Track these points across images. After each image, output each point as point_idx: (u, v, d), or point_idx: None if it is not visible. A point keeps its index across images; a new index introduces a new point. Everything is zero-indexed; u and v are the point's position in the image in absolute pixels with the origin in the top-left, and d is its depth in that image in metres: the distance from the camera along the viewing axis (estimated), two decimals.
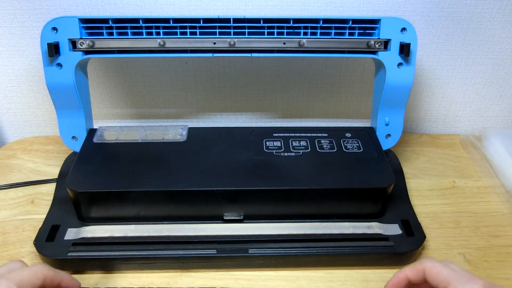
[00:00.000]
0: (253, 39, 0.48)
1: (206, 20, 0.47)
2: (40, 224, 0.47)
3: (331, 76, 0.65)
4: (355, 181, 0.47)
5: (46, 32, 0.47)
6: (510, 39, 0.62)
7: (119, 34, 0.48)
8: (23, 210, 0.53)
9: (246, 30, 0.48)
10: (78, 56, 0.48)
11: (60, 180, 0.55)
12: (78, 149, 0.52)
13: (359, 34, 0.49)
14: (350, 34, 0.49)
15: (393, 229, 0.47)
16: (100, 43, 0.48)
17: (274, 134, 0.54)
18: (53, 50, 0.47)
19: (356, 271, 0.46)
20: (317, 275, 0.45)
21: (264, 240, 0.46)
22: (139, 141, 0.52)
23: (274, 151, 0.51)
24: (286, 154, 0.50)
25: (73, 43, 0.48)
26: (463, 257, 0.47)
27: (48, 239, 0.45)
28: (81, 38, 0.48)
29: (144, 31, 0.48)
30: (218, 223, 0.47)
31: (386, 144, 0.55)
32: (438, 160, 0.64)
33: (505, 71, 0.66)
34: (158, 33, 0.48)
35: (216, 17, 0.47)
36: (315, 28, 0.48)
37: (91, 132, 0.53)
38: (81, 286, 0.43)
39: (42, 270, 0.34)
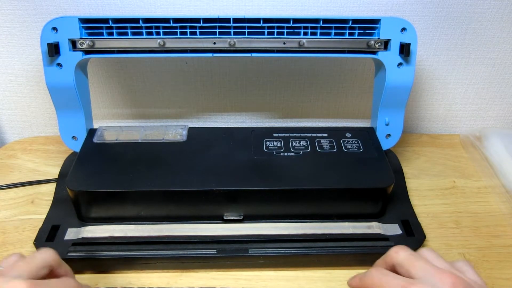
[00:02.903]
0: (253, 39, 0.48)
1: (206, 20, 0.47)
2: (40, 224, 0.47)
3: (331, 76, 0.65)
4: (355, 181, 0.47)
5: (46, 32, 0.47)
6: (510, 39, 0.62)
7: (119, 34, 0.48)
8: (23, 210, 0.53)
9: (246, 30, 0.48)
10: (78, 56, 0.48)
11: (60, 180, 0.55)
12: (78, 149, 0.52)
13: (359, 34, 0.49)
14: (350, 34, 0.49)
15: (393, 229, 0.47)
16: (100, 43, 0.48)
17: (274, 134, 0.54)
18: (53, 50, 0.47)
19: (356, 271, 0.45)
20: (317, 275, 0.45)
21: (264, 240, 0.46)
22: (139, 141, 0.52)
23: (274, 151, 0.51)
24: (286, 154, 0.50)
25: (73, 43, 0.48)
26: (463, 257, 0.47)
27: (48, 239, 0.45)
28: (81, 38, 0.48)
29: (144, 31, 0.48)
30: (218, 223, 0.47)
31: (386, 144, 0.55)
32: (438, 160, 0.64)
33: (505, 71, 0.66)
34: (158, 33, 0.48)
35: (216, 17, 0.47)
36: (315, 28, 0.48)
37: (91, 132, 0.53)
38: None
39: (50, 260, 0.34)
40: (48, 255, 0.34)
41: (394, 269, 0.34)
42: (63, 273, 0.35)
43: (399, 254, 0.34)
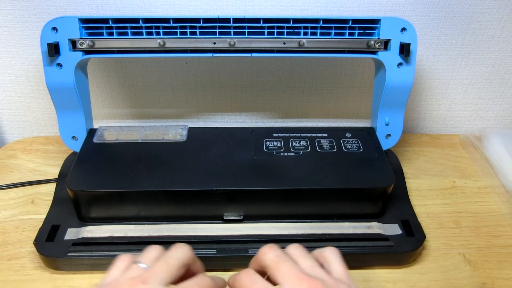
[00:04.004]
0: (253, 39, 0.48)
1: (206, 20, 0.47)
2: (40, 224, 0.47)
3: (331, 76, 0.65)
4: (355, 181, 0.47)
5: (46, 32, 0.47)
6: (510, 39, 0.62)
7: (119, 34, 0.48)
8: (23, 210, 0.53)
9: (246, 30, 0.48)
10: (78, 56, 0.48)
11: (60, 180, 0.55)
12: (78, 149, 0.52)
13: (359, 34, 0.49)
14: (350, 34, 0.49)
15: (393, 229, 0.47)
16: (100, 43, 0.48)
17: (274, 134, 0.54)
18: (53, 50, 0.47)
19: (356, 271, 0.46)
20: None
21: (264, 240, 0.46)
22: (139, 141, 0.52)
23: (274, 151, 0.51)
24: (286, 154, 0.50)
25: (73, 43, 0.48)
26: (463, 257, 0.47)
27: (48, 239, 0.45)
28: (81, 38, 0.48)
29: (144, 31, 0.48)
30: (218, 223, 0.47)
31: (386, 144, 0.55)
32: (438, 160, 0.64)
33: (505, 71, 0.66)
34: (158, 33, 0.48)
35: (216, 17, 0.47)
36: (315, 28, 0.48)
37: (91, 132, 0.53)
38: (81, 286, 0.43)
39: (188, 258, 0.33)
40: (185, 253, 0.33)
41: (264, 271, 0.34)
42: (196, 270, 0.35)
43: (266, 255, 0.33)
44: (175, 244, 0.34)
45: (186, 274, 0.33)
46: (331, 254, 0.34)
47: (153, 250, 0.34)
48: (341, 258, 0.34)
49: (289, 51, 0.49)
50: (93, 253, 0.44)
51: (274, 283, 0.31)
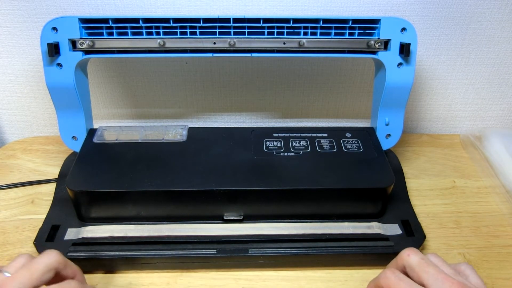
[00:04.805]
0: (253, 39, 0.48)
1: (206, 20, 0.47)
2: (40, 224, 0.47)
3: (331, 76, 0.65)
4: (355, 181, 0.47)
5: (46, 32, 0.47)
6: (510, 39, 0.62)
7: (119, 34, 0.48)
8: (23, 210, 0.53)
9: (246, 30, 0.48)
10: (78, 56, 0.48)
11: (60, 180, 0.55)
12: (78, 149, 0.52)
13: (359, 34, 0.49)
14: (350, 34, 0.49)
15: (393, 229, 0.47)
16: (100, 43, 0.48)
17: (274, 134, 0.54)
18: (53, 50, 0.47)
19: (356, 271, 0.46)
20: (317, 275, 0.45)
21: (264, 240, 0.46)
22: (139, 141, 0.52)
23: (274, 151, 0.51)
24: (286, 154, 0.50)
25: (73, 43, 0.48)
26: (463, 257, 0.47)
27: (48, 239, 0.45)
28: (81, 38, 0.48)
29: (144, 31, 0.48)
30: (218, 223, 0.47)
31: (386, 144, 0.55)
32: (438, 160, 0.64)
33: (505, 71, 0.66)
34: (158, 33, 0.48)
35: (216, 17, 0.47)
36: (315, 28, 0.48)
37: (91, 132, 0.53)
38: None
39: (53, 263, 0.33)
40: (51, 258, 0.33)
41: (404, 271, 0.35)
42: (69, 274, 0.35)
43: (411, 257, 0.35)
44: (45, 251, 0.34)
45: (58, 278, 0.34)
46: (467, 268, 0.36)
47: (20, 259, 0.34)
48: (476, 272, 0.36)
49: (289, 51, 0.49)
50: (93, 253, 0.44)
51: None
